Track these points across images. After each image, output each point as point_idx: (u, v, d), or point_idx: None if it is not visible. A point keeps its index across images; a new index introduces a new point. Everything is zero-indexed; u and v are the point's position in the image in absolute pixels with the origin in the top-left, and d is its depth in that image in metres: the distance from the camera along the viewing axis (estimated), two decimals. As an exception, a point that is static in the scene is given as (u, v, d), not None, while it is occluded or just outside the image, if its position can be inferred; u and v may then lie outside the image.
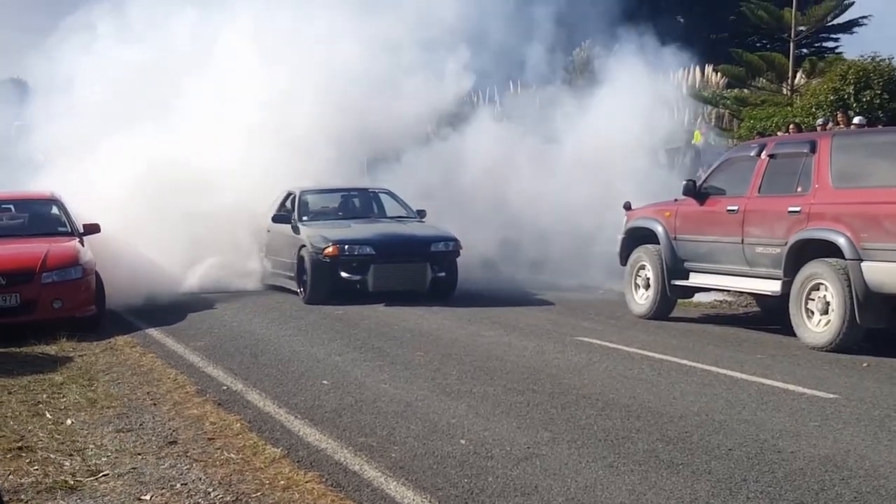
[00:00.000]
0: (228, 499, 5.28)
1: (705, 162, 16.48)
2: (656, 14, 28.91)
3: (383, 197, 15.54)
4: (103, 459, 6.06)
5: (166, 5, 18.52)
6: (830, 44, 34.72)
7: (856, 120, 15.39)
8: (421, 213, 15.08)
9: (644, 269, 11.76)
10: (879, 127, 15.03)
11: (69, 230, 12.10)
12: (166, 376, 8.50)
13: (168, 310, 12.67)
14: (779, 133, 16.38)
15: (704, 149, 18.59)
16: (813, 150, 9.79)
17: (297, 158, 16.26)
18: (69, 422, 6.99)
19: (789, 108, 19.17)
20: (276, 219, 14.77)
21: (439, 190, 16.79)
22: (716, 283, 11.24)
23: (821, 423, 6.57)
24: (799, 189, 9.83)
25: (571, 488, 5.29)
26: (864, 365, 8.64)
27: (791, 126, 16.04)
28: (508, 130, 18.66)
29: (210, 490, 5.42)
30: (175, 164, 15.50)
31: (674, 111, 21.39)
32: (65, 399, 7.73)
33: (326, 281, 13.32)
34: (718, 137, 20.67)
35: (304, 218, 14.46)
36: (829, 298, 9.25)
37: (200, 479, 5.62)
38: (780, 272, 9.84)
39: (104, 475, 5.73)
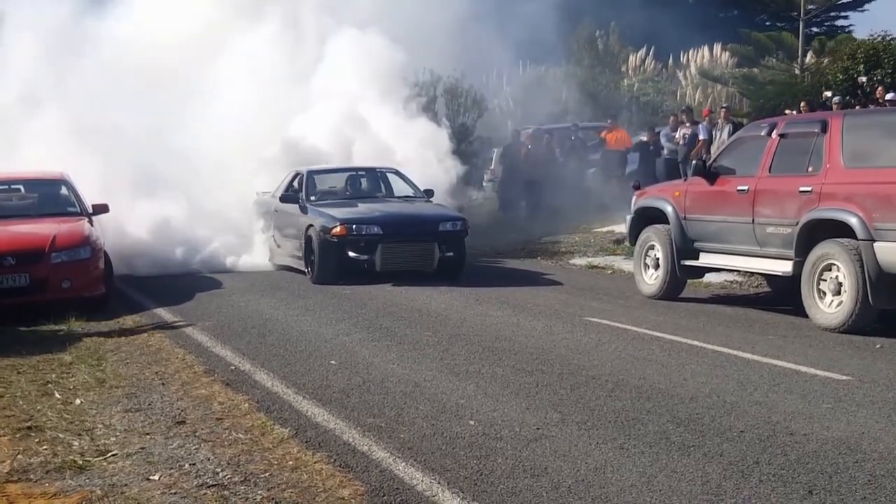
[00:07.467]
0: (237, 479, 5.26)
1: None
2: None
3: (391, 176, 15.47)
4: (112, 439, 6.05)
5: None
6: (841, 22, 34.41)
7: (889, 96, 15.24)
8: (429, 193, 15.03)
9: (653, 249, 11.68)
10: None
11: (78, 210, 12.10)
12: (174, 356, 8.50)
13: (176, 290, 12.67)
14: (787, 112, 16.27)
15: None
16: (824, 129, 9.69)
17: None
18: (78, 401, 6.99)
19: (798, 88, 19.05)
20: (284, 199, 14.73)
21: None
22: (726, 264, 11.15)
23: (833, 405, 6.51)
24: (810, 169, 9.73)
25: (581, 470, 5.26)
26: (878, 346, 8.57)
27: (803, 104, 15.91)
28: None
29: (218, 470, 5.41)
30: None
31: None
32: (73, 379, 7.73)
33: (334, 261, 13.28)
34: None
35: (312, 198, 14.41)
36: (841, 279, 9.17)
37: (209, 459, 5.61)
38: (791, 252, 9.76)
39: (113, 455, 5.72)
